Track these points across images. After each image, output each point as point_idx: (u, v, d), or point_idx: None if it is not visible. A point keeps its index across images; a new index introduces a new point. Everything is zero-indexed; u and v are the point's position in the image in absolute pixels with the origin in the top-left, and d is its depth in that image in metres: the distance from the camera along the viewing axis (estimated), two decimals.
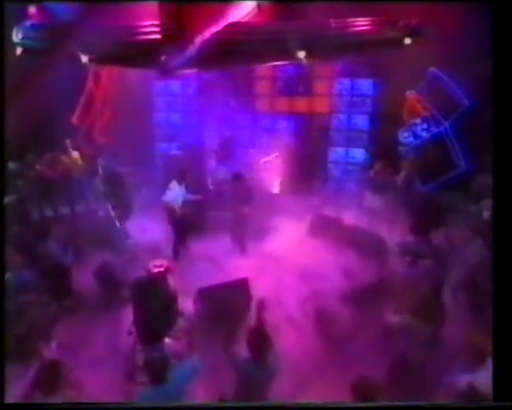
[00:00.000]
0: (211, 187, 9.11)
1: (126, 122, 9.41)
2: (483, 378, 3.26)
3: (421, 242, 5.24)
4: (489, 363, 3.33)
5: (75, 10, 6.71)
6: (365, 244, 6.87)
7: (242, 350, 3.51)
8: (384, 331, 4.17)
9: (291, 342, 4.86)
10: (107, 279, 6.03)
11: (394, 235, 6.73)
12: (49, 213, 8.22)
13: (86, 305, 5.85)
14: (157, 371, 3.38)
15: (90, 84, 9.82)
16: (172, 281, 4.55)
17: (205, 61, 6.05)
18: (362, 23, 4.85)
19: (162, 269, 4.52)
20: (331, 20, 5.00)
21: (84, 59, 5.83)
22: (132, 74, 8.97)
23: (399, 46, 4.66)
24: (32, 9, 6.91)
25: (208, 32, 5.91)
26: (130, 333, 4.59)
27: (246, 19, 6.46)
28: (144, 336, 4.38)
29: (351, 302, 5.46)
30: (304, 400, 3.59)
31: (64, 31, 5.98)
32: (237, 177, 7.68)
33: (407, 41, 4.64)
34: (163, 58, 5.55)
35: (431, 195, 7.05)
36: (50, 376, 3.20)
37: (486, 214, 6.63)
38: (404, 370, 3.12)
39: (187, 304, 5.17)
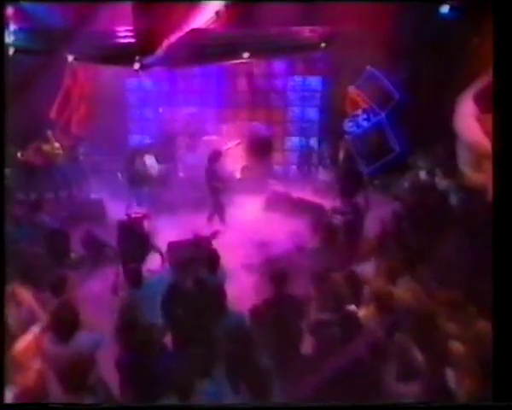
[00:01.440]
0: (181, 174, 10.30)
1: (102, 116, 10.14)
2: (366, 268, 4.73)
3: (345, 203, 6.67)
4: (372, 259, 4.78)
5: (54, 12, 7.61)
6: (309, 213, 8.23)
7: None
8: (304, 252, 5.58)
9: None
10: (92, 244, 7.17)
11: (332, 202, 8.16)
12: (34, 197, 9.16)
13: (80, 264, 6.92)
14: (134, 276, 4.67)
15: (67, 81, 10.21)
16: (147, 224, 5.86)
17: (172, 61, 7.26)
18: (292, 30, 6.19)
19: (139, 215, 5.85)
20: (270, 28, 6.31)
21: (70, 59, 6.91)
22: (107, 72, 9.72)
23: (317, 49, 6.01)
24: (10, 11, 7.74)
25: (174, 37, 7.11)
26: None
27: (206, 25, 7.71)
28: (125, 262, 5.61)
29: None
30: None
31: (52, 34, 6.99)
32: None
33: (323, 45, 6.00)
34: (136, 58, 6.72)
35: (360, 170, 8.56)
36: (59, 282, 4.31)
37: (406, 185, 8.22)
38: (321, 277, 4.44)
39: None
